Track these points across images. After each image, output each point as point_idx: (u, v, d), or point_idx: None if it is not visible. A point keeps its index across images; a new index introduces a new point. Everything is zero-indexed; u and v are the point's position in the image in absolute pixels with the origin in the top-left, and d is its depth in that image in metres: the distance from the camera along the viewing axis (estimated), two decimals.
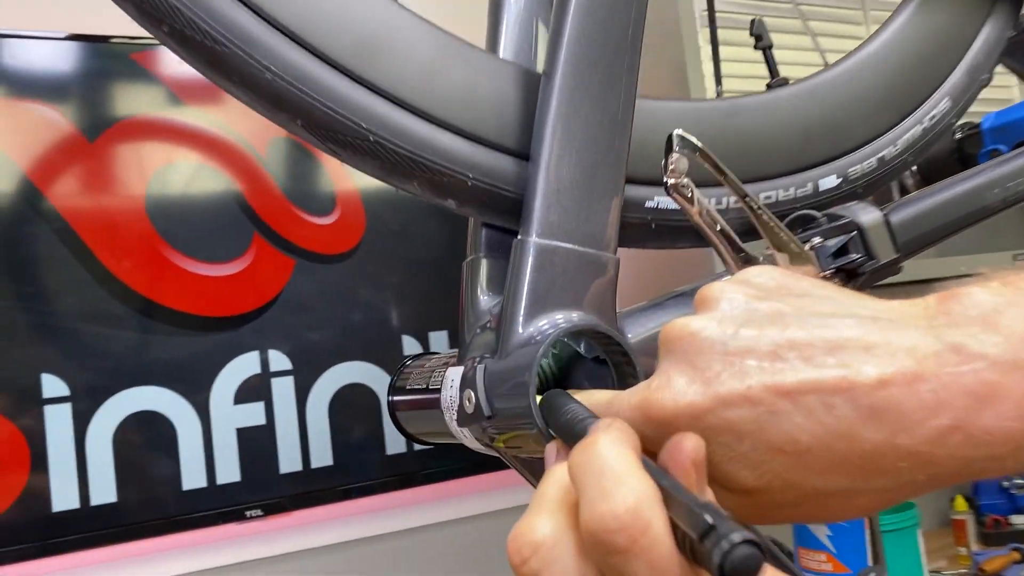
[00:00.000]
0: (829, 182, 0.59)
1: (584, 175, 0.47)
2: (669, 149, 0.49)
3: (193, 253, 1.26)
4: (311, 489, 1.27)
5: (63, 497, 1.16)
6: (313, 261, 1.33)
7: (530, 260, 0.45)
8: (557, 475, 0.32)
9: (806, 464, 0.30)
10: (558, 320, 0.46)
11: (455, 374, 0.49)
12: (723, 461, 0.32)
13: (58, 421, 1.17)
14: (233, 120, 1.31)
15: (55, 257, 1.18)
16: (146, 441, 1.22)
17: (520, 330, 0.45)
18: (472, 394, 0.45)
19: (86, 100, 1.23)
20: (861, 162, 0.60)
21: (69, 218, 1.19)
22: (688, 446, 0.30)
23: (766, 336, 0.31)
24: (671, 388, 0.33)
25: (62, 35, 1.22)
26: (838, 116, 0.60)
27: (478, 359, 0.47)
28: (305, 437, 1.28)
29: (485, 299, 0.50)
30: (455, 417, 0.48)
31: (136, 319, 1.22)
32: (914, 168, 1.11)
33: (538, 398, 0.46)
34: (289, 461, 1.27)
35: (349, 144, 0.43)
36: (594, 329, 0.45)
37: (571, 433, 0.37)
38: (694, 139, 0.50)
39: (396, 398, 0.57)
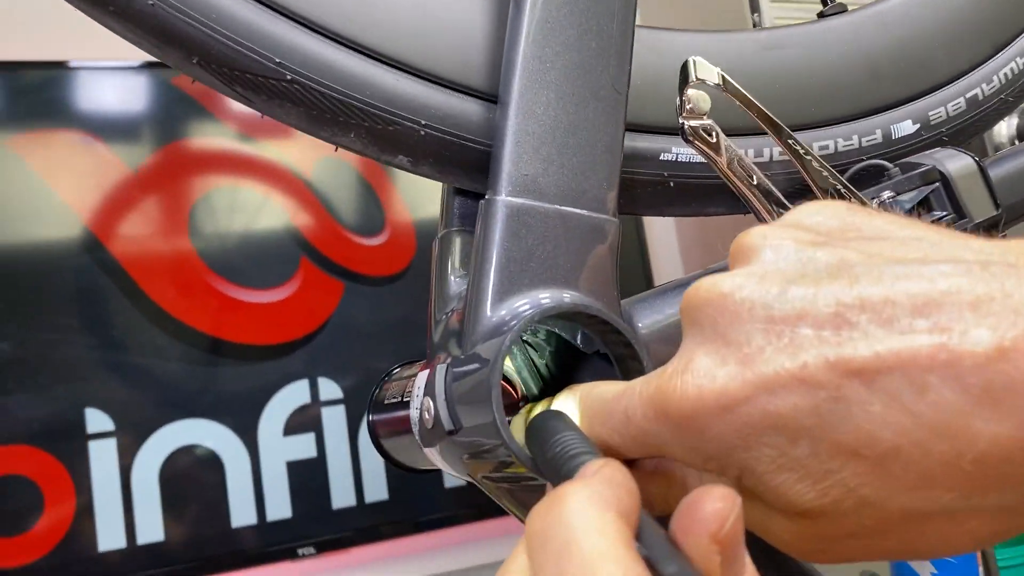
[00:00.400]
0: (904, 128, 0.47)
1: (568, 117, 0.37)
2: (685, 81, 0.39)
3: (238, 280, 1.22)
4: (366, 525, 1.19)
5: (109, 536, 1.12)
6: (363, 284, 1.26)
7: (500, 225, 0.35)
8: (523, 548, 0.24)
9: (890, 473, 0.24)
10: (542, 300, 0.36)
11: (421, 379, 0.39)
12: (771, 471, 0.26)
13: (103, 457, 1.13)
14: (277, 142, 1.27)
15: (97, 288, 1.15)
16: (193, 476, 1.16)
17: (488, 313, 0.35)
18: (431, 403, 0.36)
19: (127, 128, 1.20)
20: (945, 104, 0.48)
21: (111, 248, 1.16)
22: (709, 511, 0.23)
23: (827, 294, 0.25)
24: (694, 372, 0.26)
25: (104, 64, 1.20)
26: (914, 48, 0.48)
27: (444, 357, 0.38)
28: (358, 470, 1.21)
29: (458, 282, 0.40)
30: (418, 434, 0.38)
31: (180, 349, 1.17)
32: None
33: (526, 416, 0.36)
34: (342, 495, 1.19)
35: (262, 87, 0.34)
36: (582, 310, 0.35)
37: (556, 475, 0.28)
38: (716, 69, 0.40)
39: (375, 416, 0.47)
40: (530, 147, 0.36)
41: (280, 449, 1.20)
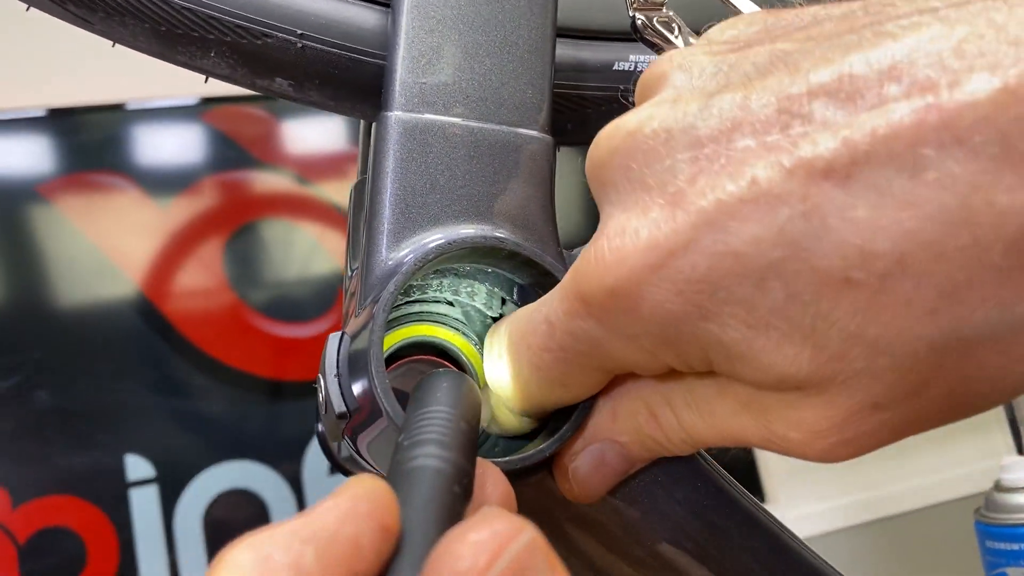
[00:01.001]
0: None
1: (476, 11, 0.30)
2: None
3: (274, 314, 1.18)
4: None
5: None
6: None
7: (393, 147, 0.28)
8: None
9: (899, 297, 0.19)
10: (461, 235, 0.28)
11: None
12: (745, 339, 0.20)
13: (145, 505, 1.10)
14: (307, 171, 1.24)
15: (132, 331, 1.13)
16: (237, 520, 1.12)
17: (383, 256, 0.28)
18: (322, 381, 0.29)
19: (155, 166, 1.19)
20: None
21: (145, 290, 1.14)
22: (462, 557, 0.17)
23: (763, 91, 0.20)
24: (609, 237, 0.21)
25: (139, 104, 1.19)
26: None
27: (347, 324, 0.31)
28: None
29: None
30: (324, 427, 0.31)
31: (219, 389, 1.14)
32: None
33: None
34: None
35: (97, 1, 0.28)
36: (495, 245, 0.27)
37: (394, 477, 0.21)
38: None
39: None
40: (427, 48, 0.29)
41: (326, 489, 1.14)
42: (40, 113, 1.16)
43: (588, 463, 0.27)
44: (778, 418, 0.22)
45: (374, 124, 0.29)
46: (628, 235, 0.21)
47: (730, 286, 0.20)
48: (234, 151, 1.23)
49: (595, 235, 0.22)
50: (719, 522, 0.30)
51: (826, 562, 0.31)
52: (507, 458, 0.27)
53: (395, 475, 0.20)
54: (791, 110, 0.19)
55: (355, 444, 0.31)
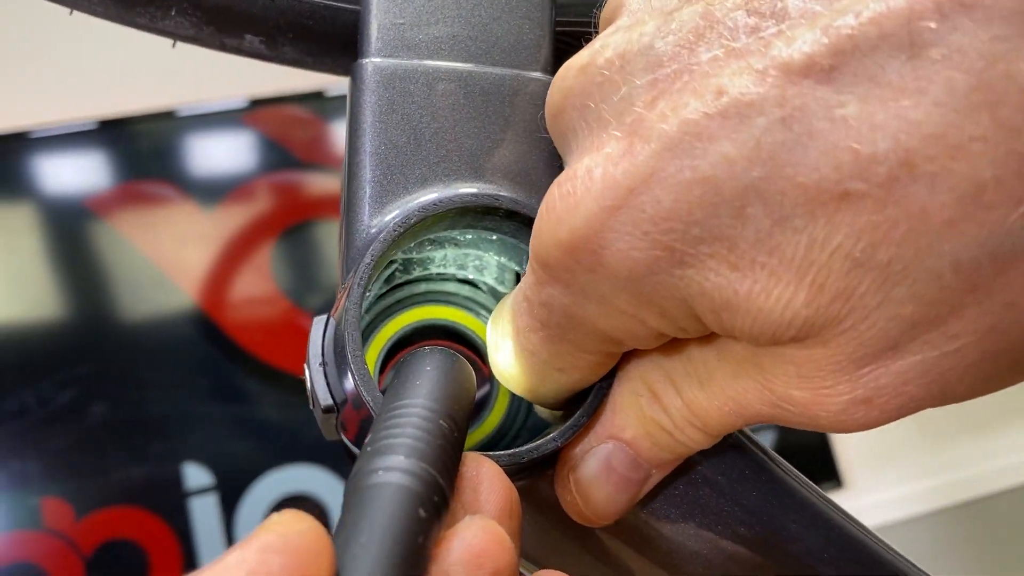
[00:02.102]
0: None
1: None
2: None
3: (324, 314, 1.16)
4: None
5: None
6: None
7: (371, 97, 0.25)
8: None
9: (913, 205, 0.15)
10: (448, 193, 0.25)
11: None
12: (729, 282, 0.17)
13: (205, 513, 1.09)
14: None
15: (185, 340, 1.12)
16: None
17: (366, 222, 0.25)
18: (306, 370, 0.25)
19: (201, 171, 1.19)
20: None
21: (197, 298, 1.13)
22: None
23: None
24: (561, 185, 0.19)
25: (188, 110, 1.19)
26: None
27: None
28: None
29: None
30: (319, 423, 0.28)
31: (274, 394, 1.13)
32: None
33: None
34: None
35: None
36: (488, 202, 0.23)
37: (348, 498, 0.18)
38: None
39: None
40: None
41: None
42: (92, 126, 1.17)
43: (592, 470, 0.23)
44: (778, 376, 0.18)
45: (349, 77, 0.26)
46: (580, 178, 0.18)
47: (704, 220, 0.17)
48: (279, 153, 1.22)
49: (550, 189, 0.19)
50: (775, 519, 0.25)
51: (901, 555, 0.26)
52: (510, 451, 0.23)
53: (350, 494, 0.16)
54: (761, 10, 0.16)
55: (354, 442, 0.27)
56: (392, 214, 0.24)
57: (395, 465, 0.17)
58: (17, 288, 1.10)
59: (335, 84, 1.24)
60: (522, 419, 0.30)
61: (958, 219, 0.15)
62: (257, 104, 1.22)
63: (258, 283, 1.16)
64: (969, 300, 0.16)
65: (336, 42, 0.27)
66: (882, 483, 1.16)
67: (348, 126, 0.25)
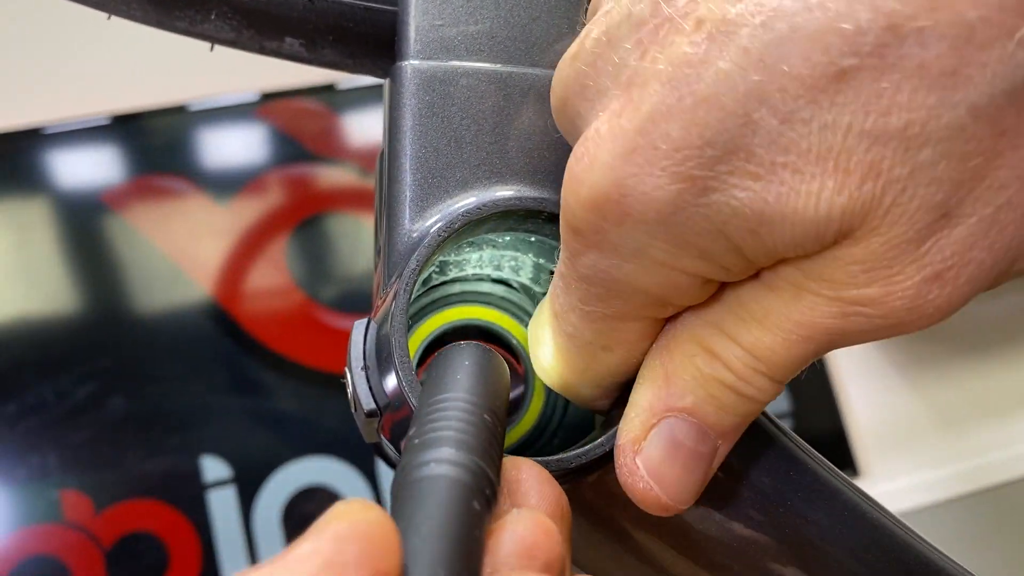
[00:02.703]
0: None
1: None
2: None
3: (343, 309, 1.17)
4: None
5: None
6: None
7: (410, 100, 0.25)
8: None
9: (909, 66, 0.15)
10: (494, 197, 0.25)
11: None
12: (756, 197, 0.17)
13: (223, 505, 1.10)
14: (368, 162, 1.22)
15: (202, 334, 1.13)
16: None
17: (407, 227, 0.25)
18: (347, 374, 0.25)
19: (214, 165, 1.19)
20: None
21: (213, 292, 1.14)
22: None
23: None
24: (575, 154, 0.19)
25: (200, 104, 1.19)
26: None
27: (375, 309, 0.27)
28: None
29: None
30: (361, 428, 0.28)
31: (291, 386, 1.13)
32: None
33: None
34: None
35: None
36: (533, 206, 0.23)
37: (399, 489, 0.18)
38: None
39: None
40: None
41: None
42: (104, 121, 1.17)
43: (659, 451, 0.22)
44: (844, 280, 0.18)
45: (388, 79, 0.26)
46: (590, 139, 0.18)
47: (715, 138, 0.17)
48: (292, 147, 1.22)
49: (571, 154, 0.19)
50: (811, 515, 0.25)
51: (943, 554, 0.26)
52: (558, 456, 0.23)
53: (400, 487, 0.17)
54: None
55: (396, 447, 0.28)
56: (433, 218, 0.24)
57: (445, 457, 0.17)
58: (34, 283, 1.11)
59: (346, 77, 1.24)
60: (558, 419, 0.30)
61: (958, 66, 0.15)
62: (268, 97, 1.22)
63: (274, 276, 1.16)
64: (1003, 145, 0.16)
65: (375, 44, 0.27)
66: (898, 470, 1.16)
67: (387, 129, 0.25)
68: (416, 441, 0.18)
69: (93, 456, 1.07)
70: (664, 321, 0.22)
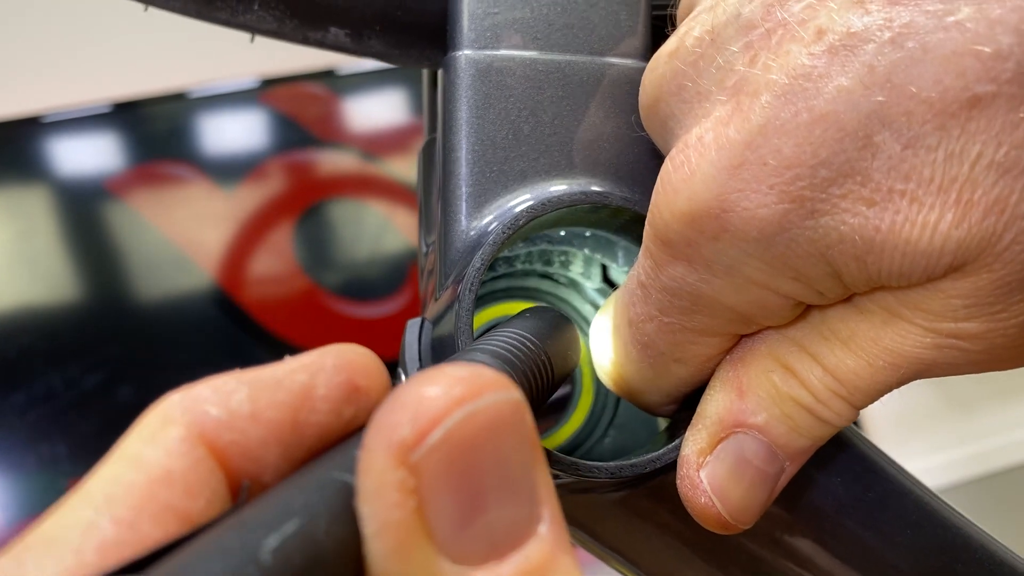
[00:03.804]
0: None
1: None
2: None
3: (349, 295, 1.16)
4: None
5: None
6: None
7: (467, 91, 0.24)
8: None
9: None
10: (555, 193, 0.24)
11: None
12: (867, 224, 0.16)
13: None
14: (371, 147, 1.21)
15: (209, 322, 1.12)
16: None
17: (464, 224, 0.24)
18: (401, 373, 0.25)
19: (218, 151, 1.18)
20: None
21: (219, 279, 1.13)
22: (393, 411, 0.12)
23: None
24: (673, 161, 0.18)
25: (201, 91, 1.18)
26: None
27: (426, 308, 0.26)
28: None
29: None
30: None
31: None
32: None
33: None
34: None
35: None
36: (597, 200, 0.22)
37: None
38: None
39: None
40: None
41: None
42: (106, 108, 1.16)
43: (725, 467, 0.21)
44: (943, 313, 0.17)
45: (440, 70, 0.25)
46: (691, 147, 0.17)
47: (830, 159, 0.16)
48: (296, 132, 1.21)
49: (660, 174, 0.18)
50: (882, 520, 0.25)
51: (1011, 551, 0.26)
52: (631, 461, 0.22)
53: None
54: None
55: None
56: (490, 216, 0.23)
57: (478, 359, 0.17)
58: (39, 272, 1.10)
59: (347, 62, 1.22)
60: (608, 418, 0.30)
61: None
62: (270, 83, 1.21)
63: (279, 262, 1.15)
64: None
65: (424, 33, 0.26)
66: (910, 454, 1.15)
67: (441, 122, 0.24)
68: (459, 353, 0.17)
69: (102, 445, 1.06)
70: (742, 335, 0.21)
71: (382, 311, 1.15)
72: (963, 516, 0.27)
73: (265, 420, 0.14)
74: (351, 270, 1.16)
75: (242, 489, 0.14)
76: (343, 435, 0.15)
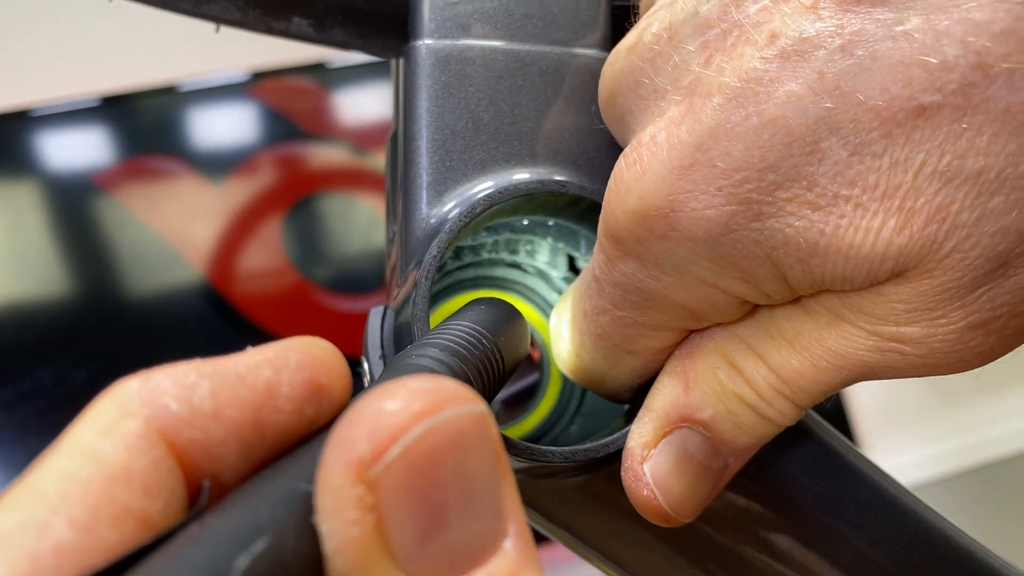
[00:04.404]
0: None
1: None
2: None
3: (339, 289, 1.16)
4: None
5: None
6: None
7: (426, 80, 0.24)
8: None
9: (994, 108, 0.14)
10: (514, 181, 0.24)
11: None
12: (811, 227, 0.16)
13: None
14: (361, 141, 1.21)
15: (198, 317, 1.12)
16: None
17: (424, 212, 0.24)
18: (365, 364, 0.25)
19: (207, 145, 1.18)
20: None
21: (208, 274, 1.13)
22: (356, 426, 0.12)
23: None
24: (627, 157, 0.18)
25: (190, 84, 1.18)
26: None
27: (390, 296, 0.27)
28: None
29: None
30: None
31: None
32: None
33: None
34: None
35: None
36: (554, 188, 0.23)
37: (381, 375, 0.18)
38: None
39: None
40: None
41: None
42: (94, 102, 1.15)
43: (668, 461, 0.21)
44: (885, 316, 0.17)
45: (401, 59, 0.25)
46: (644, 145, 0.17)
47: (778, 163, 0.16)
48: (286, 125, 1.20)
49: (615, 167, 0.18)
50: (844, 508, 0.25)
51: (982, 546, 0.26)
52: (585, 446, 0.22)
53: (382, 373, 0.16)
54: None
55: None
56: (452, 203, 0.24)
57: (429, 355, 0.17)
58: (27, 267, 1.09)
59: (338, 55, 1.22)
60: (575, 406, 0.30)
61: None
62: (259, 76, 1.21)
63: (268, 256, 1.15)
64: None
65: (386, 23, 0.26)
66: (899, 447, 1.16)
67: (400, 111, 0.25)
68: (410, 347, 0.17)
69: None
70: (692, 330, 0.21)
71: (372, 305, 1.15)
72: (934, 511, 0.27)
73: (226, 418, 0.14)
74: (341, 264, 1.16)
75: (202, 491, 0.13)
76: (303, 435, 0.15)
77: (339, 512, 0.12)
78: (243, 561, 0.11)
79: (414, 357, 0.16)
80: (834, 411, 1.21)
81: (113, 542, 0.12)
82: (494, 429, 0.13)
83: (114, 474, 0.12)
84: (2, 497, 0.12)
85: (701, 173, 0.17)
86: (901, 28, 0.15)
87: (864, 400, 1.13)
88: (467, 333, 0.18)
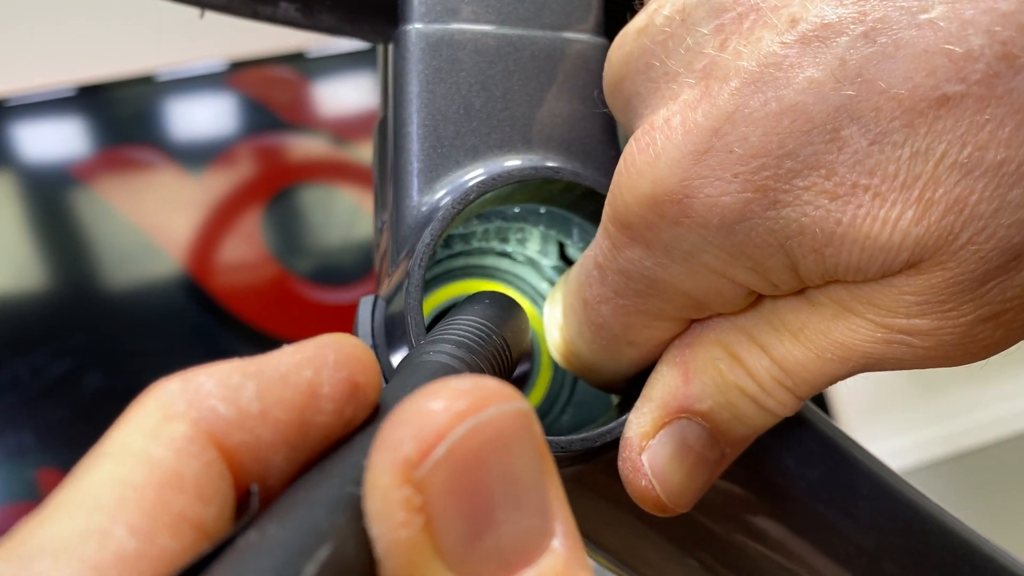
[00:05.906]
0: None
1: None
2: None
3: (319, 281, 1.15)
4: None
5: None
6: None
7: (417, 66, 0.23)
8: None
9: (1018, 98, 0.14)
10: (506, 167, 0.24)
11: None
12: (827, 216, 0.16)
13: None
14: (341, 131, 1.20)
15: (178, 309, 1.11)
16: None
17: (415, 200, 0.23)
18: None
19: (186, 135, 1.16)
20: None
21: (187, 266, 1.12)
22: (401, 427, 0.12)
23: None
24: (638, 142, 0.17)
25: (168, 74, 1.16)
26: None
27: (380, 286, 0.26)
28: None
29: None
30: None
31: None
32: None
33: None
34: None
35: None
36: (548, 175, 0.22)
37: (397, 371, 0.18)
38: None
39: None
40: None
41: None
42: (70, 92, 1.14)
43: (667, 452, 0.21)
44: (895, 309, 0.17)
45: (391, 45, 0.24)
46: (658, 129, 0.17)
47: (797, 150, 0.16)
48: (265, 116, 1.19)
49: (622, 155, 0.18)
50: (844, 498, 0.25)
51: (974, 532, 0.26)
52: (582, 435, 0.22)
53: (398, 369, 0.16)
54: None
55: None
56: (443, 190, 0.23)
57: (445, 351, 0.17)
58: (5, 259, 1.08)
59: (317, 44, 1.21)
60: (566, 396, 0.30)
61: None
62: (238, 66, 1.20)
63: (248, 248, 1.14)
64: None
65: (375, 7, 0.26)
66: (881, 434, 1.17)
67: (392, 97, 0.24)
68: (423, 343, 0.17)
69: (70, 433, 1.05)
70: (693, 320, 0.21)
71: (353, 297, 1.14)
72: (926, 497, 0.27)
73: (273, 420, 0.13)
74: (321, 256, 1.15)
75: (252, 495, 0.13)
76: (343, 436, 0.14)
77: (387, 514, 0.11)
78: (311, 569, 0.11)
79: (431, 353, 0.16)
80: (816, 399, 1.21)
81: (172, 550, 0.11)
82: (537, 426, 0.13)
83: (167, 479, 0.12)
84: (51, 504, 0.12)
85: (717, 159, 0.16)
86: (925, 16, 0.15)
87: (846, 388, 1.14)
88: (477, 328, 0.18)
